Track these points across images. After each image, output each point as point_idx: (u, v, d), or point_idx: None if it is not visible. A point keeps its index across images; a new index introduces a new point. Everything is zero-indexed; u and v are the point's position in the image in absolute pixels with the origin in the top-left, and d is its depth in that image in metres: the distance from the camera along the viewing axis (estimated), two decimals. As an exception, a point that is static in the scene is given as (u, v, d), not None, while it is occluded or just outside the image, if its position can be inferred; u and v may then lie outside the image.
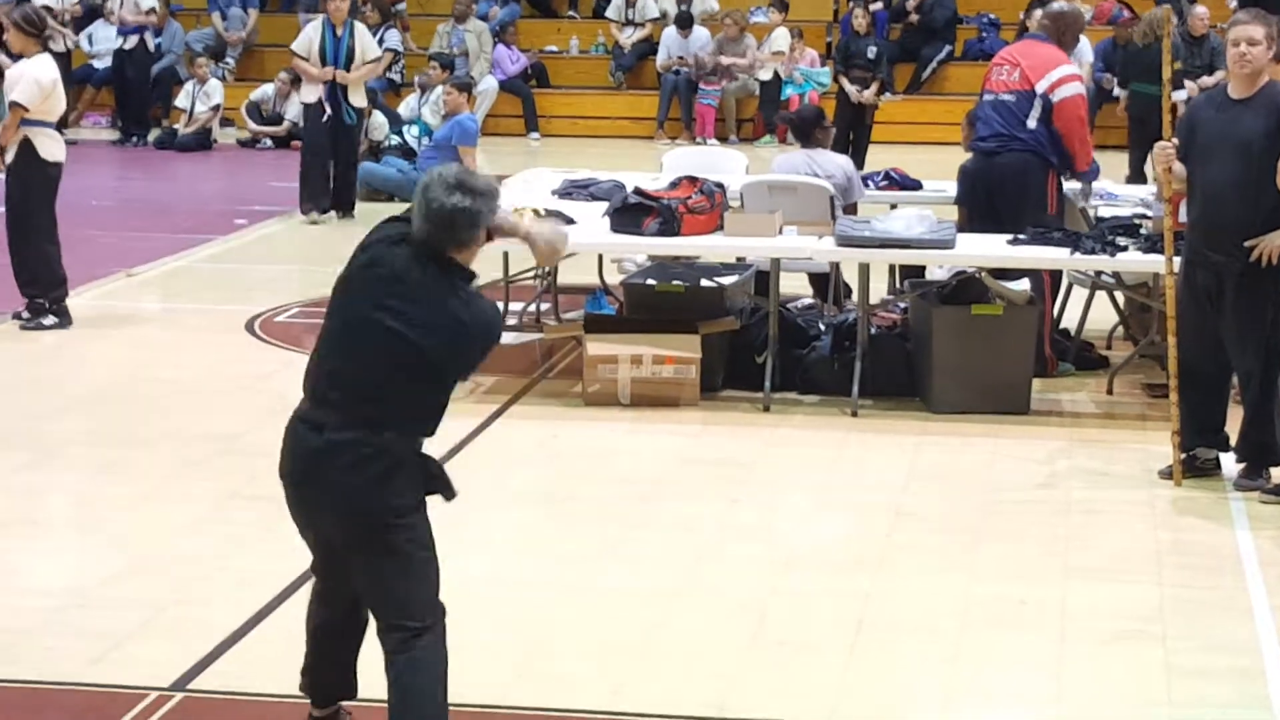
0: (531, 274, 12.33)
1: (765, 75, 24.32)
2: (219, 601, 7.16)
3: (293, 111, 23.61)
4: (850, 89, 20.52)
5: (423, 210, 5.34)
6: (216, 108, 23.70)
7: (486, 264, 11.84)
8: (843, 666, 6.67)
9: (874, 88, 20.57)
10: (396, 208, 5.37)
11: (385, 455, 5.36)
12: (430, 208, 5.33)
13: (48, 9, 22.46)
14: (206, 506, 8.39)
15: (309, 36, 17.56)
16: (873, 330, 10.66)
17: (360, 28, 17.91)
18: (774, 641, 6.93)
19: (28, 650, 6.71)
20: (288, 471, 5.52)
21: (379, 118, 20.18)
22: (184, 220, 17.06)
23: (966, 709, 6.37)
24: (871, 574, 7.69)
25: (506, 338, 11.80)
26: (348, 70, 17.32)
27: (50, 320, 12.18)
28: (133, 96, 23.98)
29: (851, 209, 11.59)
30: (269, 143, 23.48)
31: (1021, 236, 10.32)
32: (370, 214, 17.38)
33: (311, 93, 17.44)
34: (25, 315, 12.18)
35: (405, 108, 20.80)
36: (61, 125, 12.62)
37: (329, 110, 17.24)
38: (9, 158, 12.02)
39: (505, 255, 11.86)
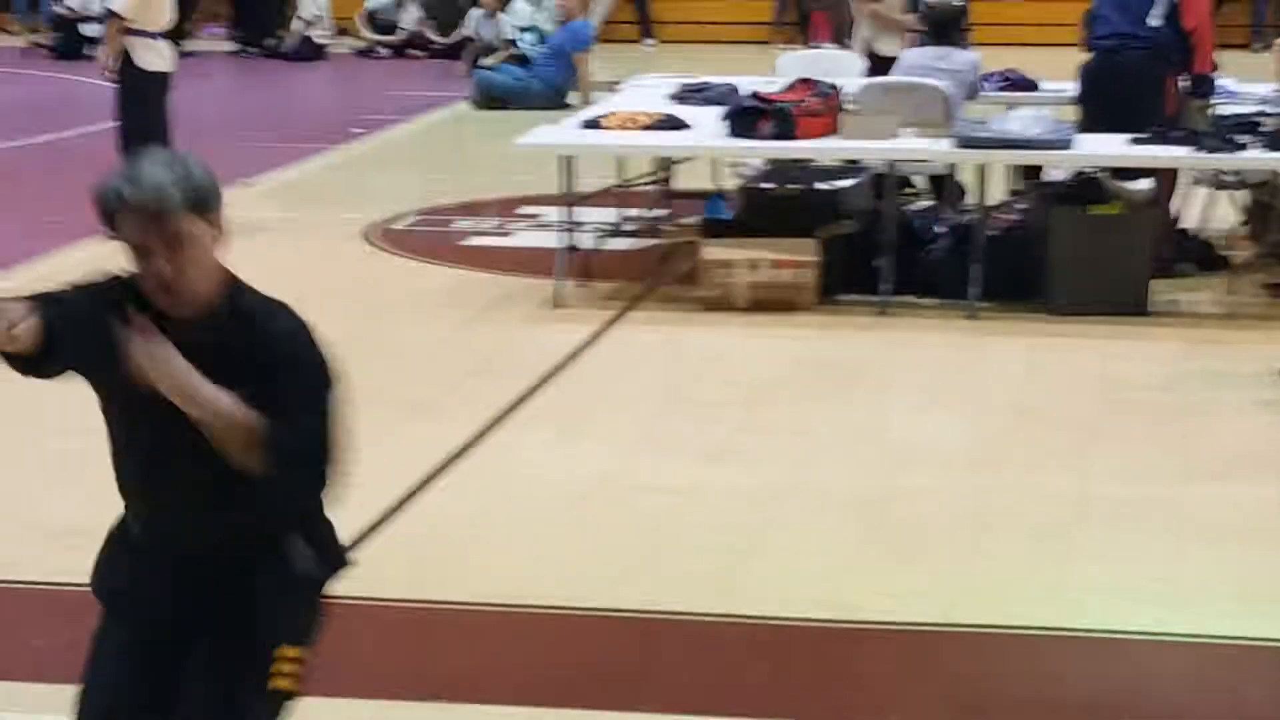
0: (648, 179, 12.30)
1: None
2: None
3: (407, 19, 23.68)
4: None
5: None
6: (326, 18, 23.75)
7: (601, 165, 11.94)
8: (956, 565, 6.65)
9: None
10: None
11: None
12: None
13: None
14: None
15: None
16: (991, 232, 10.58)
17: None
18: (886, 540, 6.93)
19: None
20: None
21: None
22: (300, 130, 17.14)
23: (1080, 606, 6.34)
24: (987, 472, 7.68)
25: (624, 243, 11.90)
26: None
27: None
28: (252, 7, 24.11)
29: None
30: (384, 52, 23.56)
31: (1142, 136, 10.21)
32: (485, 120, 17.48)
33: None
34: None
35: (519, 14, 20.77)
36: (177, 36, 12.57)
37: None
38: (114, 67, 12.00)
39: (618, 161, 11.85)
